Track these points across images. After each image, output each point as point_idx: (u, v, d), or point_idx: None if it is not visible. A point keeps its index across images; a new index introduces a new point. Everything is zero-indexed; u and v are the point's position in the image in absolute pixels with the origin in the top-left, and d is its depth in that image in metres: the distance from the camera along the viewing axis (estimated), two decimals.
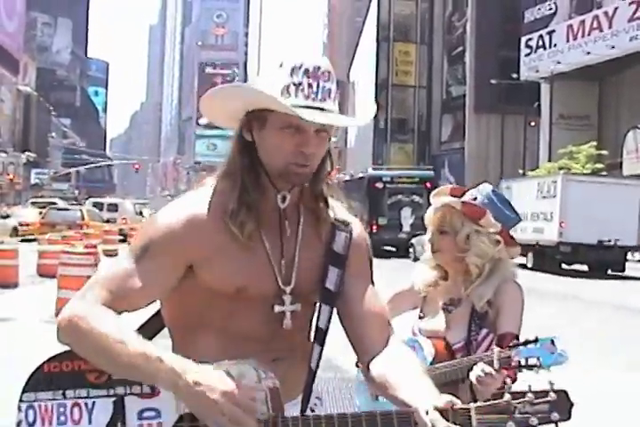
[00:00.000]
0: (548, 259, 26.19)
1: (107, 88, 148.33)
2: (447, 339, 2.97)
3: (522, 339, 2.72)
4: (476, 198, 3.07)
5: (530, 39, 50.88)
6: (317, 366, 2.04)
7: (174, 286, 2.00)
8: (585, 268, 26.55)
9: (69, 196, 70.88)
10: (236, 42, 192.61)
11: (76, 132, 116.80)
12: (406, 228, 31.38)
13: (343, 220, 2.16)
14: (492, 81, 52.36)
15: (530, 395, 1.80)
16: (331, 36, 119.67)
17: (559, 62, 46.33)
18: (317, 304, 2.08)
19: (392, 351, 2.06)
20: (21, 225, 30.14)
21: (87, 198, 55.57)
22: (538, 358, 2.59)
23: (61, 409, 1.93)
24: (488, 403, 1.81)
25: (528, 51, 50.71)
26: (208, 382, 1.74)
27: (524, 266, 27.35)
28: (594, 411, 6.93)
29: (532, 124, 50.47)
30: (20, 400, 1.95)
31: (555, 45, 48.35)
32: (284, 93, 1.96)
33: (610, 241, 24.58)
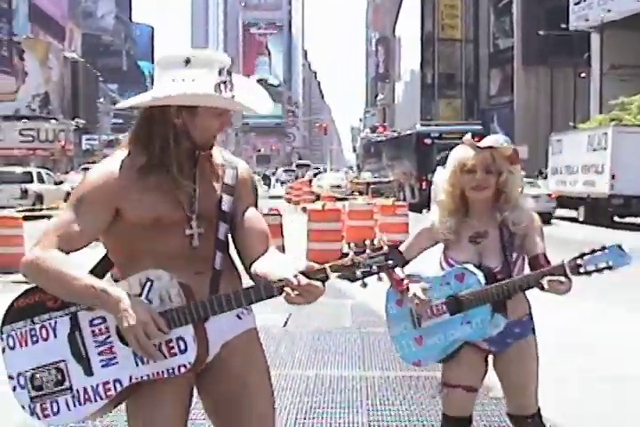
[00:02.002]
0: (600, 212, 25.95)
1: (152, 52, 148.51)
2: (486, 264, 3.46)
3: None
4: (501, 144, 3.52)
5: None
6: (220, 267, 2.73)
7: (107, 226, 2.69)
8: (638, 220, 26.28)
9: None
10: (279, 1, 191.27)
11: (123, 97, 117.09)
12: None
13: (231, 161, 2.91)
14: (540, 32, 51.45)
15: (368, 251, 2.52)
16: None
17: (609, 10, 45.19)
18: (216, 223, 2.76)
19: (267, 254, 2.75)
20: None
21: None
22: (607, 262, 3.08)
23: (33, 332, 2.68)
24: (338, 261, 2.52)
25: None
26: (128, 309, 2.48)
27: (575, 220, 27.18)
28: None
29: (583, 75, 49.58)
30: (1, 333, 2.72)
31: None
32: (216, 90, 2.63)
33: None
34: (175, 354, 2.56)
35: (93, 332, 2.63)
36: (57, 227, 2.68)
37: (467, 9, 71.36)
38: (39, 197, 26.58)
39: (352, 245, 2.60)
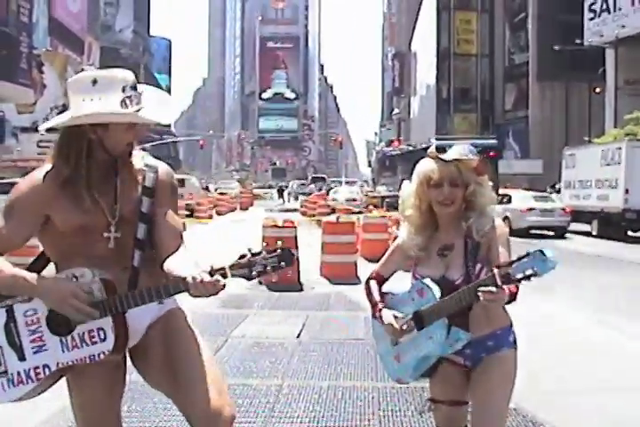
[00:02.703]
0: (614, 226, 26.02)
1: (169, 65, 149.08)
2: (448, 277, 3.37)
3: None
4: (466, 155, 3.43)
5: (593, 3, 49.72)
6: (139, 264, 3.06)
7: (38, 228, 3.05)
8: None
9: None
10: (296, 15, 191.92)
11: None
12: None
13: (151, 165, 3.20)
14: (556, 47, 51.44)
15: (264, 253, 2.91)
16: (390, 5, 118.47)
17: (624, 26, 45.21)
18: (136, 224, 3.07)
19: (176, 253, 3.06)
20: None
21: None
22: (533, 268, 2.96)
23: None
24: (236, 262, 2.88)
25: (592, 15, 49.61)
26: (54, 288, 2.89)
27: (588, 233, 27.13)
28: None
29: (597, 90, 49.54)
30: None
31: (619, 9, 47.17)
32: (122, 105, 2.94)
33: None
34: (96, 342, 2.95)
35: (26, 322, 3.01)
36: None
37: (482, 24, 71.41)
38: None
39: (250, 248, 2.98)
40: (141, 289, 2.96)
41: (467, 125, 70.11)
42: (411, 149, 41.04)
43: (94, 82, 2.96)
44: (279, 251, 2.93)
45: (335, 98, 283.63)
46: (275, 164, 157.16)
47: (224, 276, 2.87)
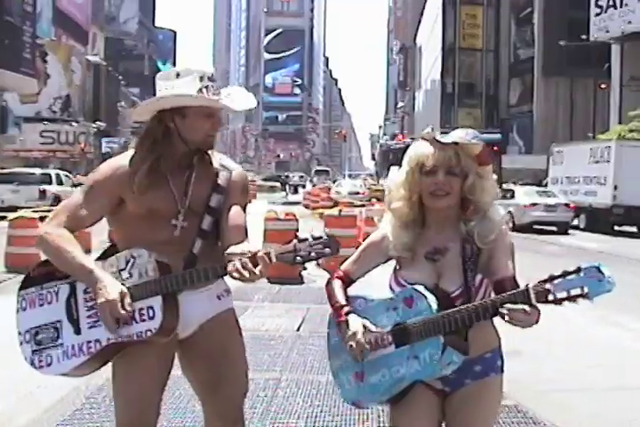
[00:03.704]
0: (602, 221, 27.66)
1: (174, 57, 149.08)
2: (442, 287, 2.88)
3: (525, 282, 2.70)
4: (468, 140, 2.95)
5: None
6: (198, 251, 3.19)
7: (111, 210, 3.20)
8: (634, 229, 27.99)
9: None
10: (302, 8, 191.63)
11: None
12: None
13: (227, 166, 3.35)
14: (561, 42, 51.24)
15: (310, 239, 2.92)
16: (396, 0, 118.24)
17: (630, 22, 45.05)
18: (202, 215, 3.22)
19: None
20: None
21: None
22: (582, 288, 2.50)
23: (41, 297, 3.23)
24: (282, 247, 2.93)
25: (598, 10, 49.38)
26: (103, 289, 2.99)
27: (576, 227, 28.33)
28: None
29: (603, 86, 49.41)
30: (18, 295, 3.27)
31: (626, 4, 46.95)
32: (199, 93, 3.14)
33: None
34: (144, 320, 3.04)
35: (85, 299, 3.15)
36: (66, 208, 3.22)
37: (488, 19, 71.20)
38: (57, 199, 26.67)
39: (297, 234, 3.03)
40: (191, 270, 3.08)
41: (471, 120, 69.89)
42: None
43: (177, 75, 3.22)
44: (324, 237, 2.96)
45: (340, 91, 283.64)
46: (278, 156, 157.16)
47: (269, 260, 2.90)
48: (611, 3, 48.39)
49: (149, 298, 3.05)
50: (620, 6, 47.29)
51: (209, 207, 3.25)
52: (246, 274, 2.89)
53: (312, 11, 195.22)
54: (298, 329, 8.40)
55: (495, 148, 31.57)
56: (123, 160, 3.27)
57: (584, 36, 49.33)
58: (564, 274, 2.53)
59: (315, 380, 6.37)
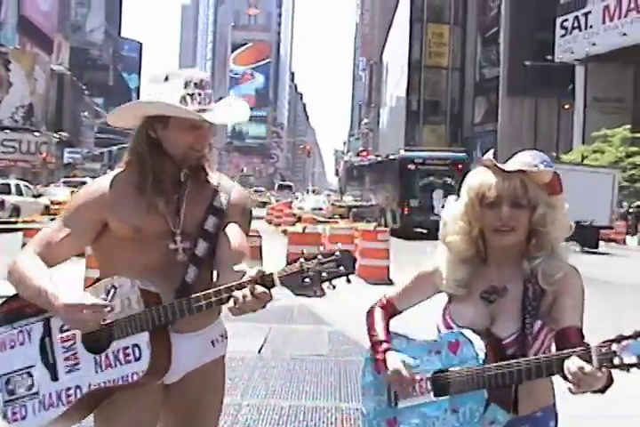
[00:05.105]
0: None
1: (140, 68, 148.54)
2: (494, 332, 2.49)
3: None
4: (536, 166, 2.54)
5: (565, 20, 50.21)
6: (192, 281, 2.78)
7: (93, 238, 2.85)
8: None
9: (101, 175, 70.80)
10: (269, 22, 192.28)
11: (108, 112, 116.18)
12: (438, 210, 31.17)
13: (227, 186, 2.99)
14: (527, 63, 51.79)
15: (320, 257, 2.42)
16: (363, 16, 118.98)
17: (594, 44, 45.74)
18: (196, 240, 2.84)
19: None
20: (53, 204, 30.24)
21: None
22: None
23: (11, 337, 2.83)
24: (286, 267, 2.46)
25: (563, 32, 50.09)
26: (65, 303, 2.56)
27: None
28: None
29: (566, 106, 49.95)
30: None
31: (590, 27, 47.70)
32: (182, 102, 2.76)
33: (586, 222, 26.09)
34: (130, 361, 2.64)
35: (62, 338, 2.75)
36: (44, 234, 2.90)
37: (454, 37, 71.88)
38: (16, 210, 26.22)
39: (303, 250, 2.52)
40: (180, 301, 2.62)
41: (435, 137, 70.36)
42: (379, 159, 40.84)
43: (166, 78, 2.84)
44: (337, 254, 2.42)
45: (305, 106, 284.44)
46: (242, 170, 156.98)
47: (271, 284, 2.45)
48: (576, 24, 49.11)
49: (134, 335, 2.63)
50: (585, 28, 48.00)
51: (203, 230, 2.86)
52: (248, 310, 2.47)
53: (279, 25, 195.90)
54: (259, 351, 8.16)
55: (460, 166, 31.43)
56: (106, 180, 2.90)
57: (549, 57, 49.94)
58: (637, 335, 2.08)
59: (277, 405, 6.15)
